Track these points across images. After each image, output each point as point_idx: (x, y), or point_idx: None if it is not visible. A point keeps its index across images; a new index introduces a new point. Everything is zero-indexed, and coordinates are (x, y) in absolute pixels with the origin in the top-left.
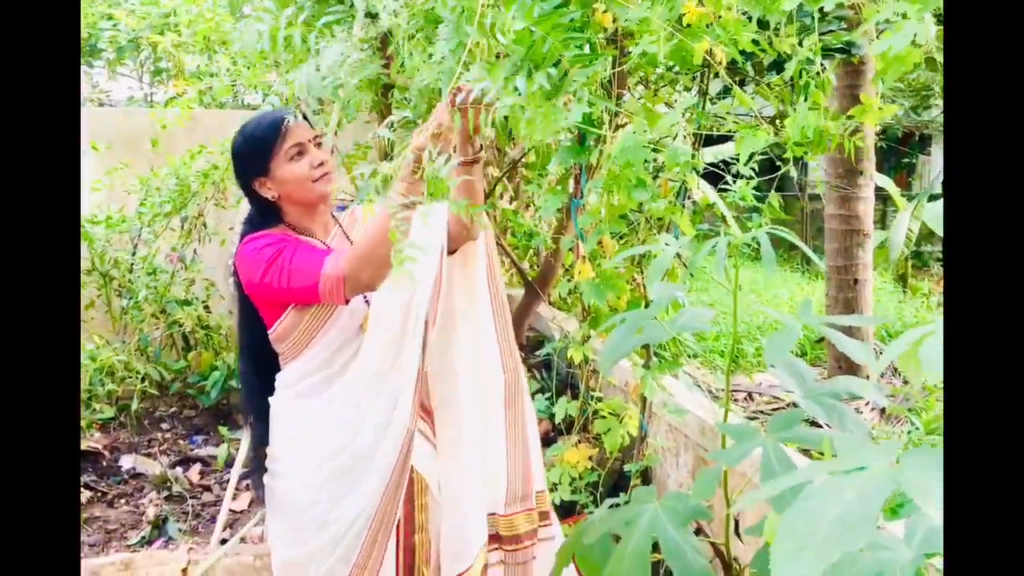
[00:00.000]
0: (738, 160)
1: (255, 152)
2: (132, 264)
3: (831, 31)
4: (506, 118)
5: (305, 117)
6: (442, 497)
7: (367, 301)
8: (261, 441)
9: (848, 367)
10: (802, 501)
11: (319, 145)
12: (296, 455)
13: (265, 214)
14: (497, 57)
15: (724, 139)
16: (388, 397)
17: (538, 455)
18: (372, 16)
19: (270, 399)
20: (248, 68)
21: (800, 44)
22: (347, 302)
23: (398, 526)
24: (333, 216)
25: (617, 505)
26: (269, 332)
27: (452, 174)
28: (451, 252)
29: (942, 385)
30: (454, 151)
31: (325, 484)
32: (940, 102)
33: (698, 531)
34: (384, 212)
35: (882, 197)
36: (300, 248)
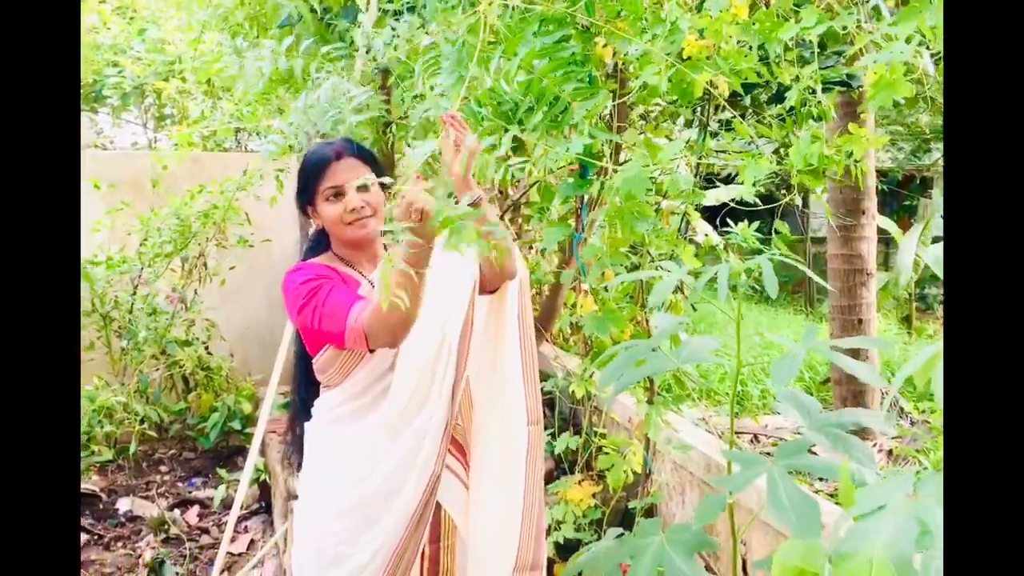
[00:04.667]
0: (739, 202)
1: (303, 183)
2: (132, 305)
3: (829, 66)
4: (509, 154)
5: (362, 155)
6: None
7: None
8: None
9: (855, 406)
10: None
11: (366, 188)
12: (318, 482)
13: (319, 239)
14: (493, 92)
15: (726, 181)
16: (415, 434)
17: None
18: (371, 52)
19: (306, 424)
20: (249, 108)
21: (799, 76)
22: (373, 351)
23: (423, 567)
24: (385, 247)
25: (622, 535)
26: (313, 361)
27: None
28: (488, 292)
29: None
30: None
31: (340, 517)
32: (940, 145)
33: (707, 569)
34: (391, 276)
35: (884, 240)
36: (335, 290)
